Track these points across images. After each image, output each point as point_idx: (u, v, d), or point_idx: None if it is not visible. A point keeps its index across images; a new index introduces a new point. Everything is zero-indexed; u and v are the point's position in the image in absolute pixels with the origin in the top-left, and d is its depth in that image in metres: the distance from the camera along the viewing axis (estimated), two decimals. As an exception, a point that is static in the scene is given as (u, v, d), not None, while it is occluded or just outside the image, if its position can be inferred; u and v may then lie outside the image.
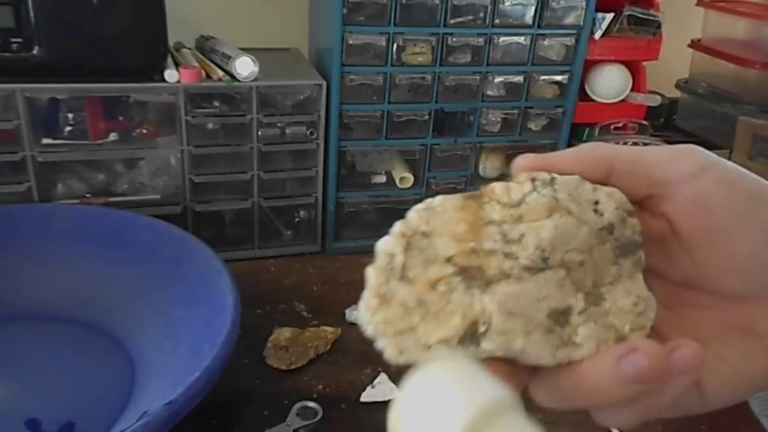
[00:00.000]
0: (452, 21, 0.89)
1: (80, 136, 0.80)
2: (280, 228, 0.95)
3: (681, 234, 0.26)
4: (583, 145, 0.27)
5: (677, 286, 0.28)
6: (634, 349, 0.23)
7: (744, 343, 0.26)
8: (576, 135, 1.06)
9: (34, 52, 0.76)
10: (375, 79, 0.89)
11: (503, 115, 0.98)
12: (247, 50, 0.86)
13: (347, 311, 0.81)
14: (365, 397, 0.68)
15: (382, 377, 0.70)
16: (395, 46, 0.88)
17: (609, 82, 1.04)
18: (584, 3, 0.94)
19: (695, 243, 0.26)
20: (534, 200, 0.24)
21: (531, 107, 0.99)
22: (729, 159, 1.03)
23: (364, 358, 0.73)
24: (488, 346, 0.23)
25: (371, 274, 0.24)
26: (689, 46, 1.21)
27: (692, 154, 0.25)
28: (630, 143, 1.05)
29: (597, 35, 0.99)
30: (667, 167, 0.25)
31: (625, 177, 0.26)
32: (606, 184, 0.26)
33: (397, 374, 0.71)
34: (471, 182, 0.99)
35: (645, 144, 1.06)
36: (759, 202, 0.25)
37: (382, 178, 0.97)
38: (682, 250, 0.26)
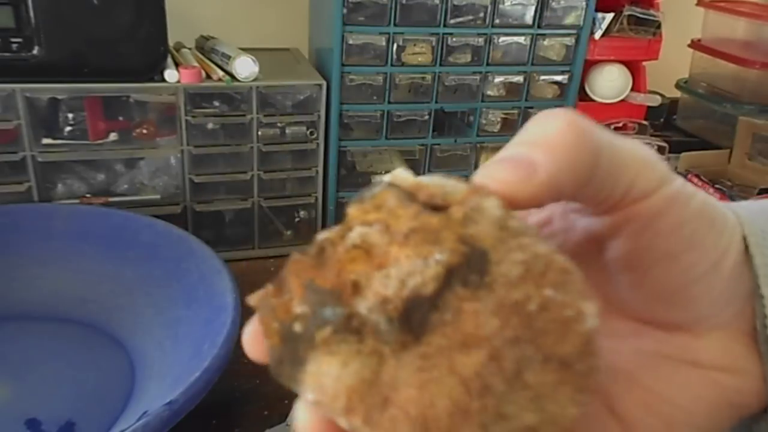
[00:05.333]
0: (452, 21, 0.89)
1: (80, 136, 0.80)
2: (280, 228, 0.95)
3: (609, 252, 0.22)
4: (563, 158, 0.18)
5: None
6: None
7: (682, 375, 0.22)
8: (576, 135, 1.06)
9: (34, 52, 0.76)
10: (375, 79, 0.89)
11: (503, 115, 0.98)
12: (247, 50, 0.86)
13: (347, 311, 0.81)
14: (365, 397, 0.68)
15: (382, 377, 0.69)
16: (395, 46, 0.88)
17: (609, 82, 1.04)
18: (584, 3, 0.94)
19: (629, 266, 0.22)
20: None
21: (531, 107, 0.99)
22: (729, 159, 1.02)
23: (364, 358, 0.73)
24: None
25: None
26: (689, 46, 1.21)
27: (654, 165, 0.21)
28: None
29: (597, 35, 0.99)
30: (633, 178, 0.20)
31: (594, 185, 0.20)
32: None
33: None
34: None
35: (644, 144, 1.06)
36: (707, 222, 0.21)
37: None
38: (609, 273, 0.22)
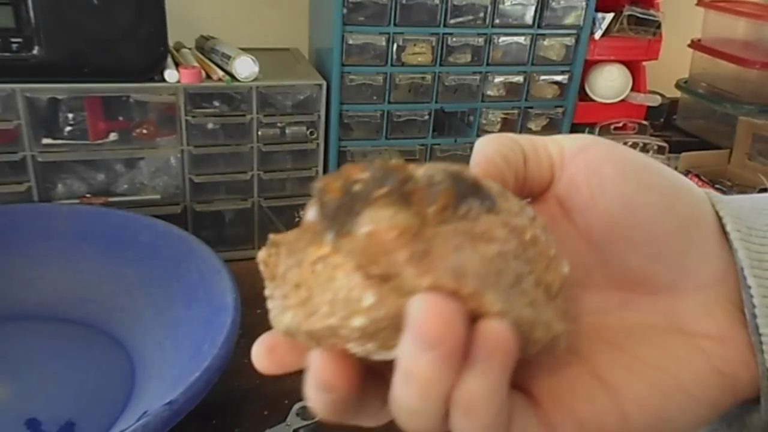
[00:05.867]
0: (452, 21, 0.89)
1: (80, 136, 0.80)
2: (280, 228, 0.95)
3: (573, 212, 0.24)
4: (491, 150, 0.25)
5: (580, 289, 0.24)
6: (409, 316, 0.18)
7: (667, 342, 0.23)
8: (576, 135, 1.06)
9: (34, 52, 0.76)
10: (375, 79, 0.89)
11: (503, 115, 0.98)
12: (247, 50, 0.86)
13: (347, 311, 0.81)
14: (365, 397, 0.67)
15: (382, 377, 0.69)
16: (395, 46, 0.88)
17: (609, 82, 1.04)
18: (584, 3, 0.94)
19: (589, 218, 0.24)
20: None
21: (531, 107, 0.99)
22: (729, 159, 1.03)
23: (364, 358, 0.73)
24: None
25: None
26: (689, 46, 1.21)
27: (582, 135, 0.25)
28: (630, 143, 1.05)
29: (597, 35, 0.99)
30: (560, 146, 0.25)
31: (531, 165, 0.25)
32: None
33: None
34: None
35: (645, 144, 1.06)
36: (652, 169, 0.23)
37: (382, 178, 0.97)
38: (577, 235, 0.24)
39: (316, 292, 0.19)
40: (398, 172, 0.19)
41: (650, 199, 0.23)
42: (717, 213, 0.24)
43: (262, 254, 0.22)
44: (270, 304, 0.21)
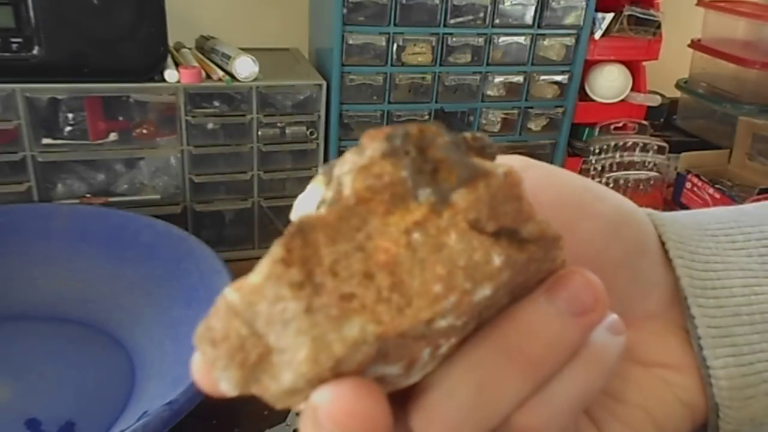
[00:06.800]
0: (452, 21, 0.89)
1: (80, 136, 0.80)
2: (280, 228, 0.95)
3: None
4: None
5: None
6: (564, 276, 0.18)
7: (633, 375, 0.22)
8: (576, 135, 1.06)
9: (34, 52, 0.76)
10: (375, 79, 0.89)
11: (503, 115, 0.98)
12: (247, 50, 0.86)
13: (347, 311, 0.81)
14: (365, 397, 0.67)
15: (382, 377, 0.69)
16: (395, 46, 0.88)
17: (609, 82, 1.04)
18: (584, 3, 0.94)
19: None
20: None
21: (531, 107, 0.99)
22: (729, 159, 1.02)
23: (364, 358, 0.73)
24: None
25: None
26: (689, 46, 1.21)
27: (516, 157, 0.23)
28: (630, 143, 1.05)
29: (597, 35, 0.99)
30: None
31: None
32: None
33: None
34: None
35: (644, 144, 1.06)
36: (594, 194, 0.22)
37: (382, 178, 0.97)
38: None
39: (414, 271, 0.15)
40: (458, 134, 0.17)
41: (594, 225, 0.22)
42: (660, 236, 0.23)
43: (278, 251, 0.16)
44: (301, 324, 0.15)
